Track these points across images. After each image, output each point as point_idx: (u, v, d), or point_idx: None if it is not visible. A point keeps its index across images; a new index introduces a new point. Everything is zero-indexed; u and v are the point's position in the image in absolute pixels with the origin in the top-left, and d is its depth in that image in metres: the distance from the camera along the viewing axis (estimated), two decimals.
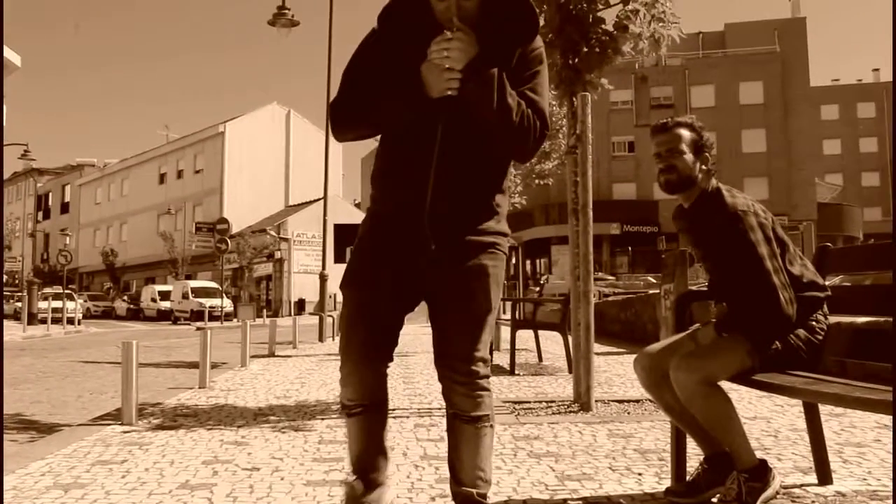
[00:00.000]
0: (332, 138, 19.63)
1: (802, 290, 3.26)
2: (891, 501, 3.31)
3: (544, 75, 2.75)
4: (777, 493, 3.29)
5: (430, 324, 2.79)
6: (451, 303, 2.72)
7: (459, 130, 2.64)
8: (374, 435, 2.84)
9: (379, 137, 2.84)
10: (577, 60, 6.19)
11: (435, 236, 2.66)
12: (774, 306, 3.14)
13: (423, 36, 2.61)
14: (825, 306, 3.34)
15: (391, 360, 2.83)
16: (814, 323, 3.27)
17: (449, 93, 2.56)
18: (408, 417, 5.86)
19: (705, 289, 3.77)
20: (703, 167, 3.45)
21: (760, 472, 3.17)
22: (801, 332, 3.23)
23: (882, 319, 3.24)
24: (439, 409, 6.22)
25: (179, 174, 62.22)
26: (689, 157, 3.42)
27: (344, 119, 2.77)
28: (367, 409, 2.80)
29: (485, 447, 2.77)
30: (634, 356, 3.63)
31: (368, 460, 2.83)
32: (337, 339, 18.22)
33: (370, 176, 2.87)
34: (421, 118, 2.65)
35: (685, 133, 3.45)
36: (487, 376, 2.76)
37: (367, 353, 2.76)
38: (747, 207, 3.27)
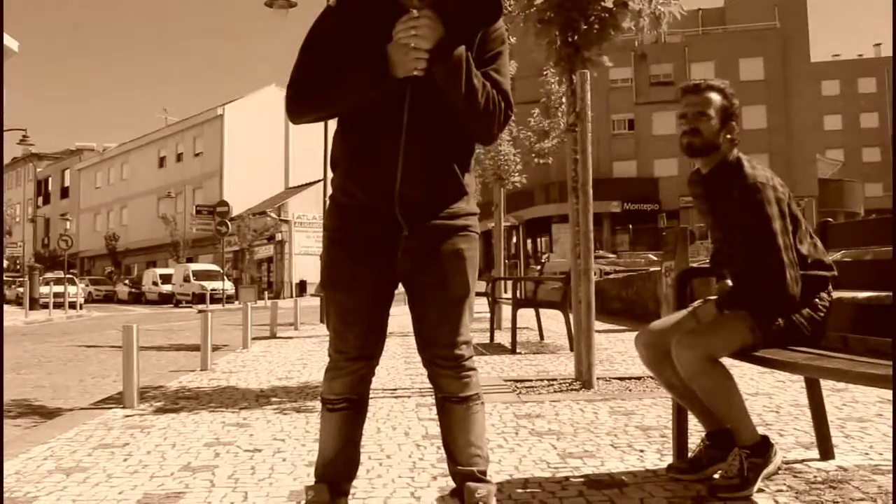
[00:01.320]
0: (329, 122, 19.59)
1: (808, 269, 3.23)
2: (892, 475, 3.31)
3: (506, 56, 2.71)
4: (778, 469, 3.29)
5: (408, 308, 2.77)
6: (428, 289, 2.69)
7: (426, 111, 2.58)
8: (352, 435, 2.81)
9: (337, 120, 2.76)
10: (576, 38, 6.14)
11: (407, 222, 2.62)
12: (780, 284, 3.12)
13: (382, 15, 2.55)
14: (830, 285, 3.32)
15: (381, 354, 2.83)
16: (817, 301, 3.25)
17: (416, 73, 2.50)
18: (409, 397, 5.86)
19: (706, 266, 3.74)
20: (728, 135, 3.39)
21: (762, 449, 3.17)
22: (805, 310, 3.22)
23: (883, 294, 3.23)
24: None
25: (179, 157, 62.12)
26: (715, 122, 3.36)
27: (303, 100, 2.67)
28: (351, 405, 2.78)
29: (478, 425, 2.76)
30: (636, 333, 3.61)
31: (341, 465, 2.80)
32: None
33: (330, 161, 2.81)
34: (386, 99, 2.58)
35: (715, 98, 3.40)
36: (472, 357, 2.76)
37: (362, 350, 2.75)
38: (766, 180, 3.23)
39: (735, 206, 3.25)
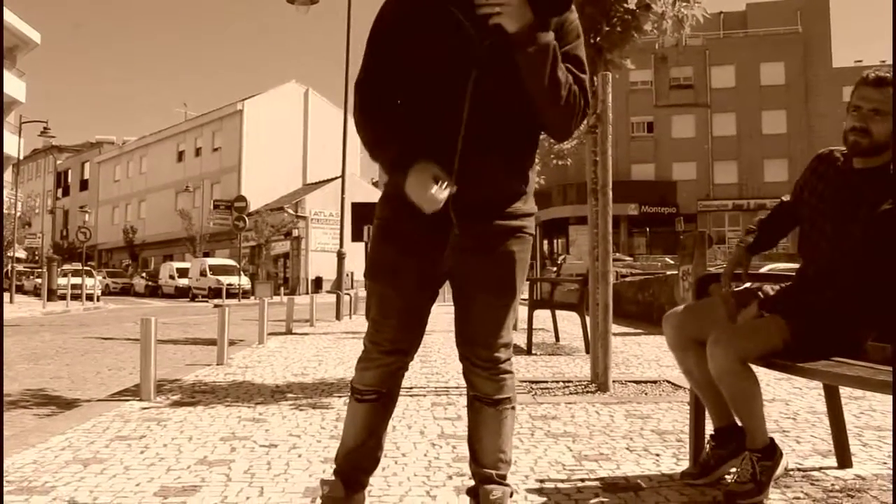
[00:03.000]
0: (349, 117, 19.43)
1: (880, 304, 3.10)
2: None
3: (583, 50, 2.65)
4: (786, 470, 3.30)
5: (452, 303, 2.75)
6: (475, 289, 2.64)
7: (489, 103, 2.48)
8: (378, 428, 2.79)
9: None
10: (598, 39, 6.13)
11: (459, 221, 2.54)
12: (849, 302, 3.06)
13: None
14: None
15: (417, 350, 2.79)
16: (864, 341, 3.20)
17: (498, 23, 2.37)
18: (425, 396, 5.86)
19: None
20: None
21: (771, 452, 3.17)
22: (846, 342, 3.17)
23: None
24: (456, 387, 6.23)
25: (198, 152, 62.35)
26: (890, 123, 3.05)
27: (373, 104, 2.59)
28: (379, 398, 2.75)
29: (506, 429, 2.73)
30: (665, 315, 3.57)
31: (363, 457, 2.79)
32: (354, 317, 18.28)
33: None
34: (447, 89, 2.50)
35: None
36: (510, 359, 2.71)
37: (397, 343, 2.71)
38: None
39: (876, 216, 3.03)
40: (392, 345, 2.70)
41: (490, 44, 2.46)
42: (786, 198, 3.63)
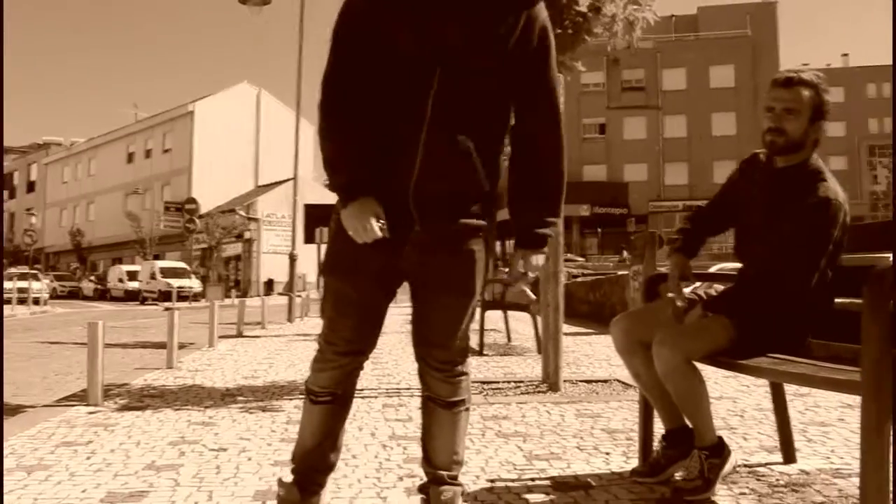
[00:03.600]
0: (301, 119, 19.22)
1: (822, 303, 3.20)
2: (852, 479, 3.35)
3: (553, 52, 2.60)
4: (735, 468, 3.33)
5: (406, 304, 2.72)
6: (434, 289, 2.60)
7: (453, 102, 2.43)
8: (333, 430, 2.74)
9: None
10: None
11: (421, 218, 2.50)
12: (788, 299, 3.10)
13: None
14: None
15: (373, 350, 2.74)
16: (804, 321, 3.25)
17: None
18: (376, 398, 5.85)
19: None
20: (815, 136, 3.20)
21: (719, 449, 3.21)
22: (789, 336, 3.21)
23: (847, 301, 3.26)
24: (407, 389, 6.23)
25: (148, 153, 61.62)
26: (803, 121, 3.13)
27: (339, 101, 2.52)
28: (335, 399, 2.70)
29: (460, 430, 2.71)
30: (613, 319, 3.60)
31: (320, 458, 2.74)
32: (306, 319, 18.18)
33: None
34: (411, 86, 2.45)
35: (807, 94, 3.13)
36: (466, 360, 2.70)
37: (353, 344, 2.65)
38: (844, 200, 3.09)
39: (800, 211, 3.10)
40: (348, 345, 2.64)
41: (456, 42, 2.43)
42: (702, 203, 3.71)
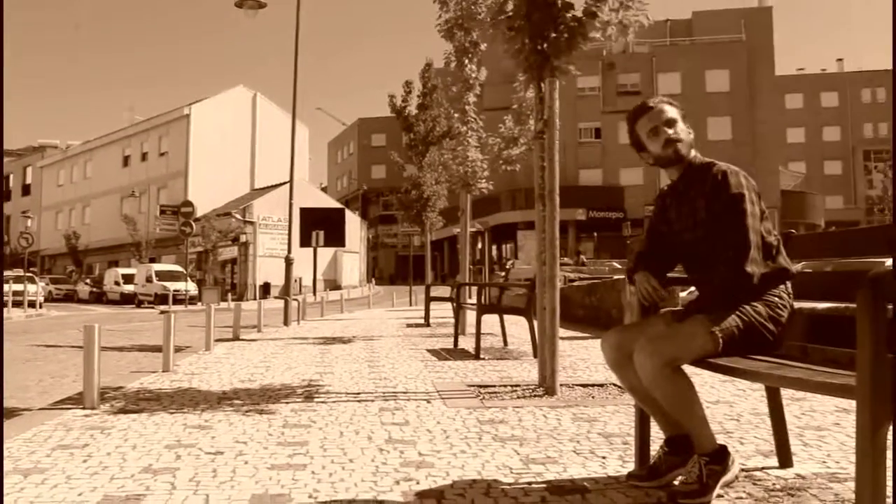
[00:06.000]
0: (297, 122, 19.19)
1: (771, 260, 3.28)
2: (848, 483, 3.36)
3: None
4: (736, 477, 3.33)
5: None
6: None
7: None
8: None
9: None
10: (545, 46, 6.17)
11: None
12: (741, 260, 3.14)
13: None
14: (789, 285, 3.35)
15: None
16: (776, 299, 3.26)
17: None
18: (373, 401, 5.85)
19: (676, 276, 3.76)
20: (692, 137, 3.53)
21: (720, 456, 3.20)
22: (761, 308, 3.22)
23: (843, 305, 3.27)
24: (404, 392, 6.23)
25: (144, 157, 61.57)
26: (682, 126, 3.51)
27: None
28: None
29: None
30: (603, 335, 3.62)
31: None
32: (302, 322, 18.17)
33: None
34: None
35: (669, 107, 3.53)
36: None
37: None
38: (738, 169, 3.32)
39: (711, 196, 3.29)
40: None
41: None
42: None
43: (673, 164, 3.49)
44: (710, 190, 3.30)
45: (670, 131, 3.46)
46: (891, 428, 2.37)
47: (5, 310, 27.84)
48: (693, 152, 3.49)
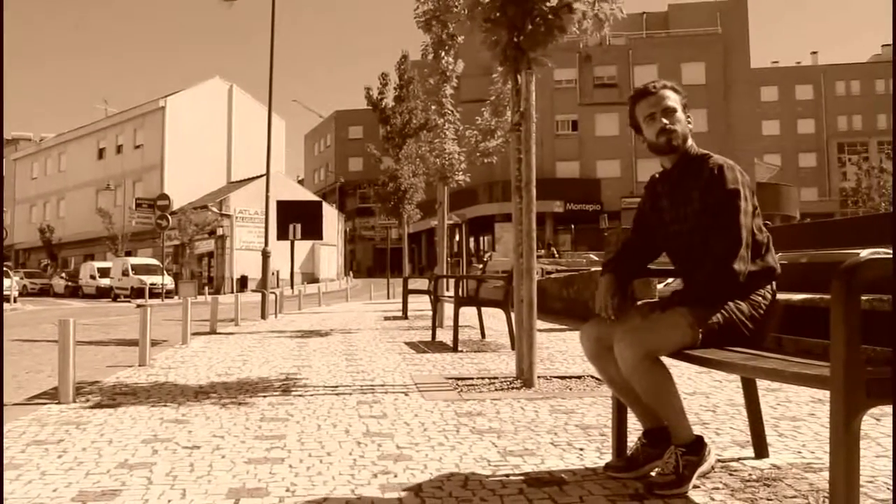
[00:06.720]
0: (274, 114, 19.09)
1: (759, 258, 3.30)
2: (823, 473, 3.39)
3: None
4: (713, 467, 3.35)
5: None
6: None
7: None
8: None
9: None
10: (521, 38, 6.17)
11: None
12: (729, 256, 3.15)
13: None
14: (775, 285, 3.37)
15: None
16: (760, 298, 3.28)
17: None
18: (350, 394, 5.84)
19: (653, 267, 3.78)
20: (690, 126, 3.48)
21: (697, 447, 3.22)
22: (744, 306, 3.24)
23: (817, 297, 3.30)
24: (381, 386, 6.22)
25: (119, 149, 61.16)
26: (681, 114, 3.44)
27: None
28: None
29: None
30: (582, 327, 3.63)
31: None
32: (279, 315, 18.11)
33: None
34: None
35: (671, 93, 3.45)
36: None
37: None
38: (734, 163, 3.31)
39: (707, 189, 3.28)
40: None
41: None
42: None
43: (665, 154, 3.47)
44: (706, 183, 3.29)
45: (666, 121, 3.41)
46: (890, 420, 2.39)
47: None
48: (689, 142, 3.46)
